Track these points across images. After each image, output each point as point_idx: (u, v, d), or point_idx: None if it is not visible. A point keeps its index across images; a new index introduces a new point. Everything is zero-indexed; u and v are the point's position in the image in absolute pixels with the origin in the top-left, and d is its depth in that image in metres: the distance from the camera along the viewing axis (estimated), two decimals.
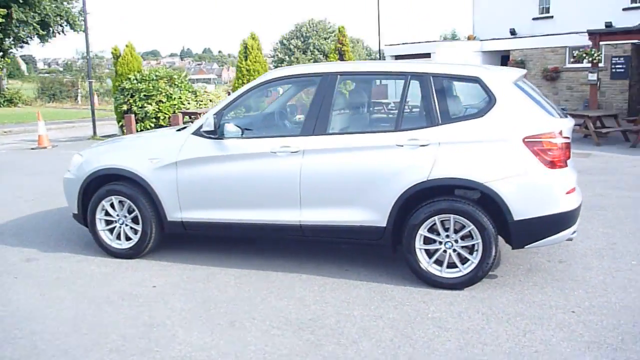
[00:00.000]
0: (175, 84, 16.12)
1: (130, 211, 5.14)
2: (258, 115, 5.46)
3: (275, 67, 62.65)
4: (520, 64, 22.22)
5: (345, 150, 4.47)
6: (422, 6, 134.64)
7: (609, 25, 20.94)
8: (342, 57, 21.67)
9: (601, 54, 14.94)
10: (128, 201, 5.09)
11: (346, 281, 4.56)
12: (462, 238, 4.30)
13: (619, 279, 4.47)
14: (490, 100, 4.28)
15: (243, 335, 3.66)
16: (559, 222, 4.21)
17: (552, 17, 23.33)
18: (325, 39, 60.66)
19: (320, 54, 56.51)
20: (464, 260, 4.33)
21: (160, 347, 3.53)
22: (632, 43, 17.45)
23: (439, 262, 4.39)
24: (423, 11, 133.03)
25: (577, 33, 20.49)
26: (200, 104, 17.22)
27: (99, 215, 5.23)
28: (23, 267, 5.09)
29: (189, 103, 15.96)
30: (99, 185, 5.21)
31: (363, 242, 4.71)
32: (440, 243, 4.35)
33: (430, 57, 23.07)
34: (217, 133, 4.70)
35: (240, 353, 3.44)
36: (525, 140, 4.15)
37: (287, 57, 57.38)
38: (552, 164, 4.14)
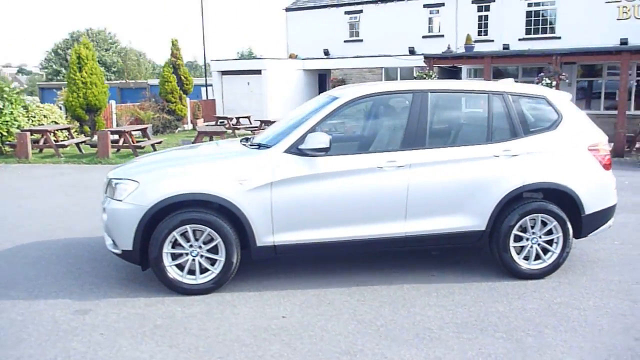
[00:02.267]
0: (4, 98, 13.73)
1: (207, 240, 4.59)
2: (345, 132, 5.35)
3: (50, 79, 56.41)
4: (341, 82, 24.27)
5: (449, 162, 4.78)
6: (230, 23, 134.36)
7: (412, 50, 24.33)
8: (176, 71, 20.95)
9: (436, 75, 17.38)
10: (208, 229, 4.53)
11: (446, 285, 4.84)
12: (546, 234, 4.98)
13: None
14: (558, 116, 5.08)
15: (443, 340, 3.72)
16: (610, 213, 5.20)
17: (361, 40, 26.02)
18: (106, 50, 56.66)
19: (102, 66, 52.71)
20: (545, 253, 5.02)
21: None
22: (440, 67, 20.57)
23: (526, 257, 4.99)
24: (230, 28, 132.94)
25: (394, 56, 23.34)
26: (33, 121, 14.99)
27: (167, 249, 4.54)
28: (88, 321, 4.12)
29: (18, 119, 13.75)
30: (164, 214, 4.53)
31: (462, 246, 5.06)
32: (527, 240, 4.96)
33: (261, 73, 23.66)
34: (324, 150, 4.54)
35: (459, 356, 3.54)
36: (589, 148, 5.04)
37: (63, 68, 51.89)
38: (606, 167, 5.11)
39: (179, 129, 21.12)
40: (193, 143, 14.53)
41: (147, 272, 4.96)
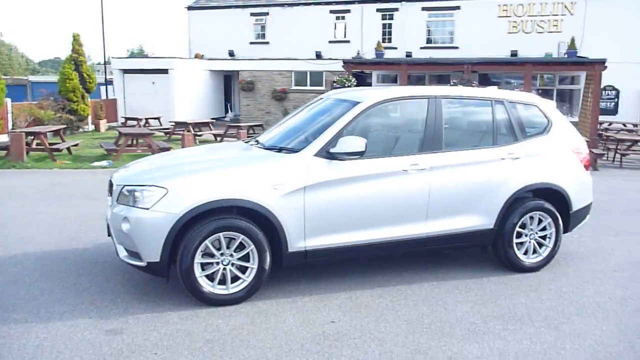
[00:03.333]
0: None
1: (239, 248, 4.42)
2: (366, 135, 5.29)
3: None
4: (250, 84, 24.10)
5: (464, 165, 5.04)
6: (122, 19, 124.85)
7: (318, 54, 24.78)
8: (78, 68, 19.52)
9: (353, 80, 17.85)
10: (242, 236, 4.36)
11: (460, 282, 5.10)
12: (541, 230, 5.43)
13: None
14: (548, 122, 5.56)
15: (495, 333, 3.94)
16: (589, 209, 5.79)
17: (268, 42, 26.01)
18: None
19: None
20: (540, 247, 5.46)
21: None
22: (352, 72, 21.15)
23: (525, 252, 5.40)
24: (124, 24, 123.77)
25: (303, 60, 23.58)
26: None
27: (198, 259, 4.30)
28: (129, 341, 3.74)
29: None
30: (194, 222, 4.28)
31: (473, 244, 5.33)
32: (526, 236, 5.38)
33: (167, 72, 22.72)
34: (360, 154, 4.57)
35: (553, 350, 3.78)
36: (574, 150, 5.58)
37: None
38: (586, 167, 5.69)
39: (80, 129, 19.62)
40: (116, 145, 13.64)
41: (157, 283, 4.68)
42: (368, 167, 4.71)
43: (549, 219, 5.40)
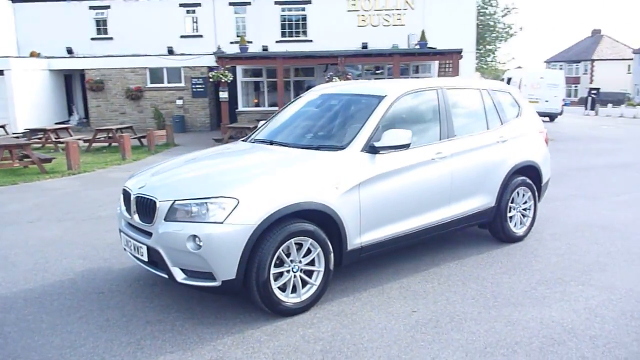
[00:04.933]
0: None
1: (306, 252, 4.26)
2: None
3: None
4: (99, 84, 22.25)
5: (473, 149, 5.43)
6: None
7: (170, 49, 23.75)
8: None
9: (229, 75, 17.38)
10: (310, 240, 4.20)
11: (466, 260, 5.53)
12: (524, 203, 6.10)
13: None
14: (519, 106, 6.23)
15: (536, 299, 4.40)
16: (549, 181, 6.63)
17: (111, 38, 24.19)
18: None
19: None
20: (523, 218, 6.14)
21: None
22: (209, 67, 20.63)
23: (514, 224, 6.02)
24: None
25: (157, 56, 22.35)
26: None
27: (272, 270, 4.05)
28: None
29: None
30: (267, 231, 4.01)
31: (479, 223, 5.74)
32: (514, 209, 6.00)
33: (3, 74, 19.80)
34: (406, 146, 4.67)
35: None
36: (539, 131, 6.35)
37: None
38: (546, 144, 6.51)
39: None
40: None
41: (198, 303, 4.32)
42: (404, 158, 4.84)
43: (529, 193, 6.08)
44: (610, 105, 38.29)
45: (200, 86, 22.38)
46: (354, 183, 4.44)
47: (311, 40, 23.83)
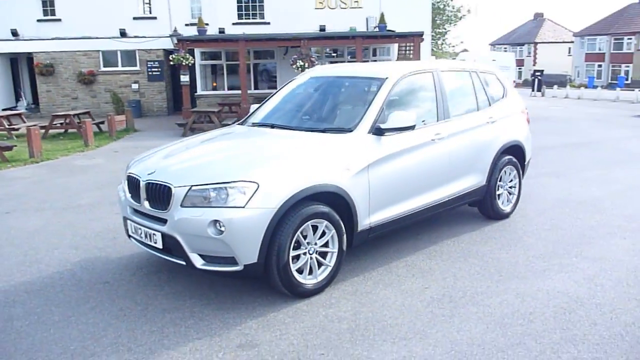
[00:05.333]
0: None
1: (321, 234, 4.31)
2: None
3: None
4: (49, 68, 21.33)
5: (467, 130, 5.59)
6: None
7: (123, 32, 23.00)
8: None
9: (190, 58, 16.96)
10: (325, 222, 4.25)
11: (462, 237, 5.73)
12: (510, 181, 6.34)
13: None
14: (504, 88, 6.43)
15: (538, 272, 4.65)
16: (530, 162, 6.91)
17: (60, 20, 23.15)
18: None
19: None
20: (510, 195, 6.39)
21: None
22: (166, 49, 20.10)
23: (502, 202, 6.26)
24: None
25: (110, 38, 21.55)
26: None
27: (291, 253, 4.08)
28: (271, 356, 3.47)
29: None
30: (287, 214, 4.03)
31: (471, 201, 5.93)
32: (502, 187, 6.23)
33: None
34: (411, 128, 4.76)
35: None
36: (522, 111, 6.59)
37: None
38: (528, 124, 6.76)
39: None
40: None
41: (213, 281, 4.32)
42: (407, 140, 4.93)
43: (515, 171, 6.34)
44: (555, 86, 39.82)
45: (156, 70, 21.78)
46: (364, 165, 4.51)
47: (269, 23, 23.52)
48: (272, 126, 5.22)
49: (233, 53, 21.59)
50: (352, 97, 5.26)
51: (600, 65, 54.14)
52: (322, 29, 23.18)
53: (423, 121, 5.22)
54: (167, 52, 21.90)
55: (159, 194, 4.12)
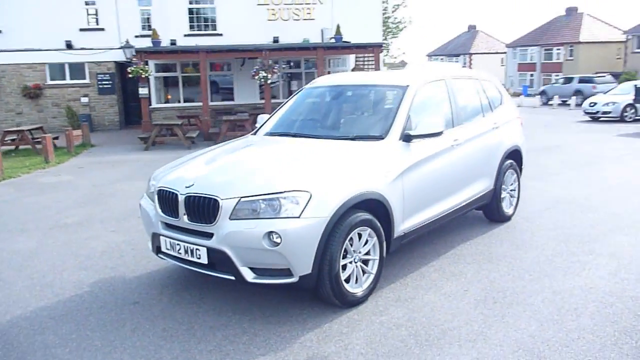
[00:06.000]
0: None
1: (365, 242, 4.29)
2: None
3: None
4: None
5: (478, 135, 5.75)
6: None
7: (69, 44, 22.16)
8: None
9: (149, 69, 16.46)
10: (369, 230, 4.24)
11: (484, 237, 5.89)
12: (511, 184, 6.56)
13: None
14: (501, 95, 6.67)
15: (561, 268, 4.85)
16: None
17: (0, 31, 21.90)
18: None
19: None
20: (511, 198, 6.61)
21: None
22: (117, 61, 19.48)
23: (506, 205, 6.47)
24: None
25: (57, 51, 20.66)
26: None
27: (341, 261, 4.05)
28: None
29: None
30: (337, 223, 3.98)
31: (480, 205, 6.07)
32: (504, 191, 6.44)
33: None
34: (439, 134, 4.84)
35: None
36: (517, 117, 6.85)
37: None
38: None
39: None
40: None
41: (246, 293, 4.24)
42: (431, 145, 5.01)
43: (515, 175, 6.57)
44: None
45: (107, 82, 21.02)
46: (399, 171, 4.54)
47: (221, 34, 23.25)
48: (295, 135, 5.16)
49: (187, 65, 21.20)
50: (374, 105, 5.30)
51: (532, 75, 57.00)
52: (276, 40, 23.19)
53: None
54: (119, 65, 21.21)
55: (203, 207, 3.97)
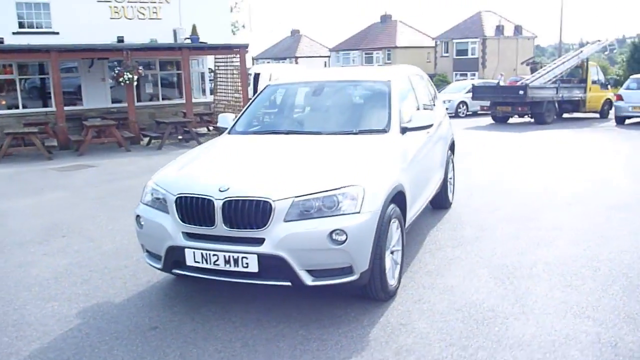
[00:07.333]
0: None
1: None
2: None
3: None
4: None
5: (438, 126, 6.12)
6: None
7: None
8: None
9: None
10: (397, 221, 4.28)
11: (446, 245, 6.32)
12: (451, 172, 7.11)
13: None
14: (435, 91, 7.18)
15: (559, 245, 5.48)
16: None
17: None
18: None
19: None
20: (451, 186, 7.15)
21: None
22: None
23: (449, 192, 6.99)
24: None
25: None
26: None
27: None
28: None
29: None
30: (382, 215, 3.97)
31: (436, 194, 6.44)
32: (450, 178, 6.96)
33: None
34: (430, 126, 5.06)
35: None
36: (446, 114, 7.44)
37: None
38: None
39: None
40: None
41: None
42: (417, 137, 5.20)
43: (452, 164, 7.13)
44: None
45: None
46: (407, 163, 4.69)
47: (58, 33, 20.93)
48: (288, 132, 4.99)
49: (25, 66, 18.79)
50: (363, 99, 5.37)
51: None
52: (120, 40, 21.55)
53: None
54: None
55: (250, 212, 3.66)
